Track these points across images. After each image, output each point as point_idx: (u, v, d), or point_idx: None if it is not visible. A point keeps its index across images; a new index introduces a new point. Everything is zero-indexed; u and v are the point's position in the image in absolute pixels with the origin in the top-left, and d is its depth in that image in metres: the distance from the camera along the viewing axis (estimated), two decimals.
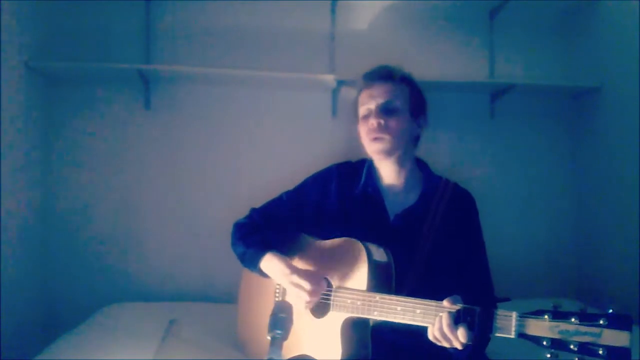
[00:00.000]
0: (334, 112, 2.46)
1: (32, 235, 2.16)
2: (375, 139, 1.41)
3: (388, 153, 1.42)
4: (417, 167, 1.51)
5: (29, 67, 2.08)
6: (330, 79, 2.29)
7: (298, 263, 1.44)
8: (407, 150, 1.46)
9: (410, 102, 1.45)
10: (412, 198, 1.44)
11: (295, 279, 1.31)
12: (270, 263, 1.39)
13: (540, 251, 2.56)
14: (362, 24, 2.50)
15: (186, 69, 2.26)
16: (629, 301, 2.07)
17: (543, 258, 2.55)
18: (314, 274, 1.34)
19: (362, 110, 1.46)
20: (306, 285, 1.29)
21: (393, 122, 1.40)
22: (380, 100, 1.42)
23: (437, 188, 1.45)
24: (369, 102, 1.44)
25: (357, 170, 1.50)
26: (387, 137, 1.40)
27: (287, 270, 1.34)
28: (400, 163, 1.45)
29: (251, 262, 1.42)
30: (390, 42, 2.48)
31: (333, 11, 2.44)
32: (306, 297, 1.29)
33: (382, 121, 1.40)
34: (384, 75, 1.45)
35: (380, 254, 1.31)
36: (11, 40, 1.96)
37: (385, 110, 1.41)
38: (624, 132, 2.22)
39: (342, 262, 1.33)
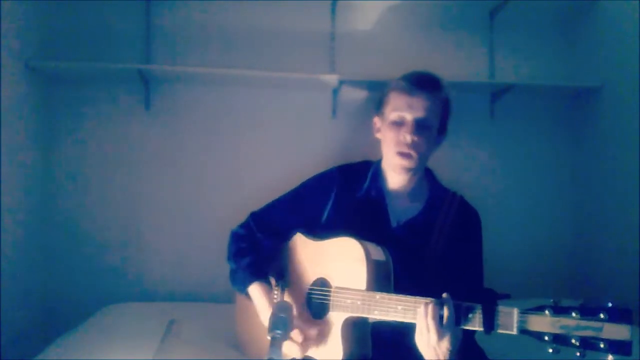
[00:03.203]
0: (334, 112, 2.46)
1: (32, 235, 2.16)
2: (402, 154, 1.35)
3: (409, 170, 1.39)
4: (424, 176, 1.47)
5: (29, 67, 2.08)
6: (330, 79, 2.29)
7: (296, 263, 1.44)
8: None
9: (441, 119, 1.39)
10: (416, 208, 1.41)
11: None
12: (254, 294, 1.39)
13: (540, 251, 2.55)
14: (363, 24, 2.50)
15: (186, 69, 2.27)
16: (628, 301, 2.07)
17: (542, 258, 2.54)
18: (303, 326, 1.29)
19: (393, 115, 1.37)
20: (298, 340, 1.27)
21: (423, 141, 1.35)
22: (419, 115, 1.33)
23: (442, 201, 1.42)
24: (406, 110, 1.34)
25: (359, 173, 1.47)
26: (414, 155, 1.35)
27: (267, 313, 1.28)
28: (413, 174, 1.42)
29: (239, 286, 1.43)
30: (390, 42, 2.48)
31: (333, 11, 2.44)
32: (298, 354, 1.27)
33: (415, 138, 1.33)
34: (429, 87, 1.35)
35: (378, 253, 1.30)
36: (11, 40, 1.96)
37: (421, 127, 1.34)
38: (624, 132, 2.22)
39: (340, 262, 1.32)
